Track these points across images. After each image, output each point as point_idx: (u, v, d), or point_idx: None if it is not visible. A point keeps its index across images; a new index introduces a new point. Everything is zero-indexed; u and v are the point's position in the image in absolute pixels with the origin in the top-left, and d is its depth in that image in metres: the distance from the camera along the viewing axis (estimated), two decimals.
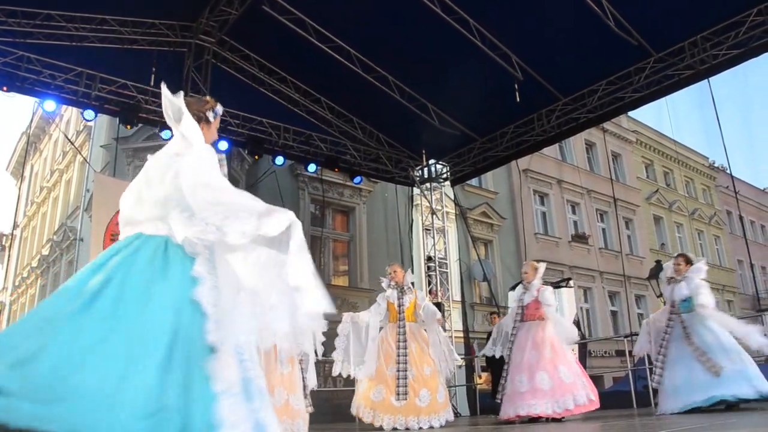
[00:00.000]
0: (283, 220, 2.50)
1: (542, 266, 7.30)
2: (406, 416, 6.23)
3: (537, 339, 6.70)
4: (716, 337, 6.27)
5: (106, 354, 1.99)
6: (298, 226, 2.52)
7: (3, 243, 34.45)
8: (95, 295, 2.12)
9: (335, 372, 6.62)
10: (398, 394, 6.28)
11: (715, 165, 30.75)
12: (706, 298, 6.50)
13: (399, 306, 6.75)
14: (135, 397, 1.93)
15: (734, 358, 6.14)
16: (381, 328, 6.82)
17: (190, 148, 2.58)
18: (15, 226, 24.78)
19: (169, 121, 2.70)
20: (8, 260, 27.18)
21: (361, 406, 6.44)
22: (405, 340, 6.55)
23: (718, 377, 6.08)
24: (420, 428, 6.20)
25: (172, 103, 2.68)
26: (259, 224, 2.43)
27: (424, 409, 6.28)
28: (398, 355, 6.48)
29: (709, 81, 8.60)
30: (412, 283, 7.04)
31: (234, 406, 2.08)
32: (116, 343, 2.02)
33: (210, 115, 2.84)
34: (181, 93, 2.72)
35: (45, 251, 21.04)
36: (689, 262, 6.85)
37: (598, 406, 6.53)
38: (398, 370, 6.38)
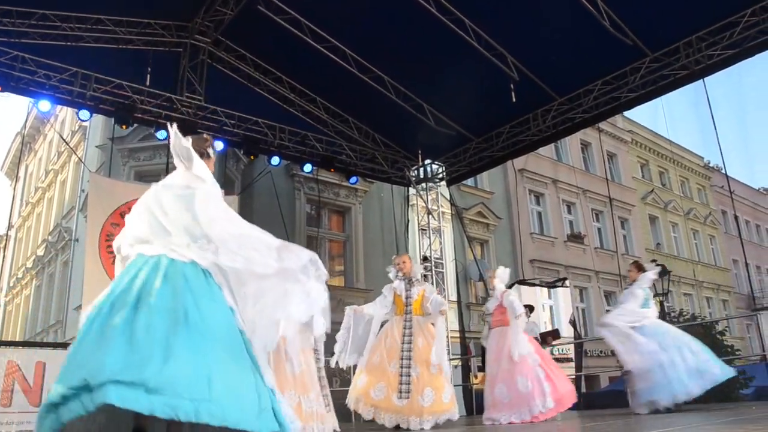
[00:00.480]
0: (304, 255, 2.97)
1: (503, 271, 7.34)
2: (408, 416, 5.89)
3: (499, 348, 6.80)
4: None
5: (221, 362, 2.43)
6: (318, 261, 3.06)
7: None
8: (185, 314, 2.48)
9: (332, 363, 6.36)
10: (400, 392, 5.95)
11: (711, 165, 30.86)
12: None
13: (406, 298, 6.47)
14: (251, 399, 2.43)
15: None
16: (387, 321, 6.53)
17: (202, 183, 2.93)
18: (10, 226, 24.72)
19: (177, 158, 3.01)
20: (3, 261, 27.09)
21: (360, 402, 6.10)
22: (411, 335, 6.23)
23: None
24: (422, 429, 5.86)
25: (182, 145, 2.99)
26: (280, 257, 2.84)
27: (426, 409, 5.90)
28: (402, 350, 6.15)
29: (704, 81, 8.62)
30: (423, 276, 6.84)
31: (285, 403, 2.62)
32: (221, 353, 2.46)
33: (210, 151, 3.23)
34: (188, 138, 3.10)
35: (40, 252, 20.99)
36: (641, 269, 7.14)
37: (564, 407, 6.64)
38: (401, 367, 6.04)
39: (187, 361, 2.34)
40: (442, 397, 6.06)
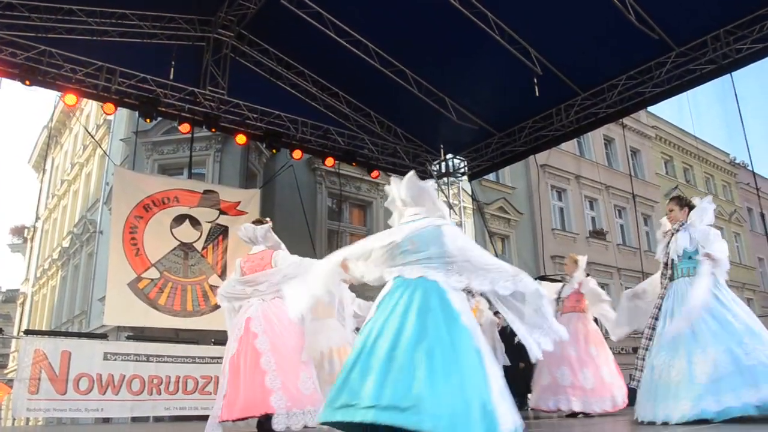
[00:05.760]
0: (529, 282, 3.44)
1: (582, 259, 7.29)
2: None
3: (579, 333, 6.66)
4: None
5: (477, 381, 3.00)
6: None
7: (25, 235, 34.97)
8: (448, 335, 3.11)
9: None
10: None
11: (736, 161, 30.35)
12: (717, 246, 4.69)
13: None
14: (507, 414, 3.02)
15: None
16: None
17: (444, 220, 3.60)
18: (37, 218, 25.12)
19: (401, 200, 3.73)
20: (30, 252, 27.57)
21: None
22: None
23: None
24: None
25: (421, 188, 3.65)
26: (516, 282, 3.42)
27: None
28: None
29: (731, 75, 8.47)
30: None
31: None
32: (480, 372, 3.06)
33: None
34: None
35: (65, 243, 21.30)
36: (686, 205, 5.01)
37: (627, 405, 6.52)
38: None
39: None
40: None
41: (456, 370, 2.97)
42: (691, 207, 5.00)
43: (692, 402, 4.15)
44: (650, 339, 4.78)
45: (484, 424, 2.87)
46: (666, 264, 4.93)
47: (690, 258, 4.78)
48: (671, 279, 4.87)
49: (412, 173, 3.70)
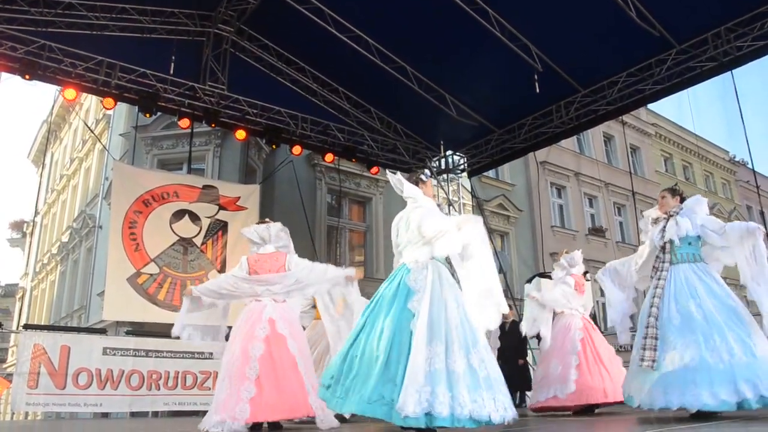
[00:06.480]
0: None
1: (563, 255, 7.42)
2: None
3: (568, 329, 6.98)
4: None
5: None
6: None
7: (24, 230, 34.95)
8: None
9: None
10: None
11: (736, 159, 30.35)
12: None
13: None
14: None
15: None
16: None
17: (416, 202, 4.05)
18: (36, 213, 25.10)
19: (400, 192, 4.13)
20: (29, 247, 27.57)
21: None
22: None
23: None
24: None
25: (397, 180, 4.13)
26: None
27: None
28: None
29: (732, 73, 8.45)
30: None
31: None
32: None
33: (423, 177, 4.24)
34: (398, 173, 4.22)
35: (65, 238, 21.30)
36: (679, 194, 5.09)
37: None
38: None
39: None
40: None
41: None
42: (683, 198, 5.06)
43: (711, 390, 4.14)
44: (656, 321, 4.65)
45: None
46: (663, 248, 4.91)
47: (690, 244, 4.81)
48: (670, 263, 4.85)
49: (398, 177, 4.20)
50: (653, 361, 4.51)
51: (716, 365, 4.22)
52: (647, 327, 4.64)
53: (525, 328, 7.14)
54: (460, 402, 3.34)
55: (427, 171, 3.81)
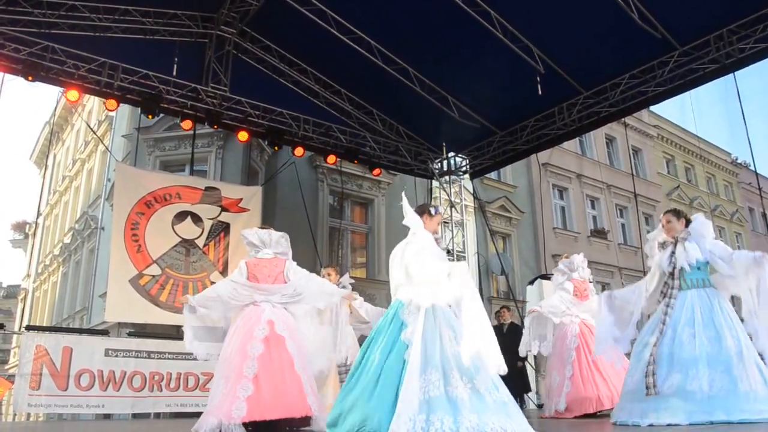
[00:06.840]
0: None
1: (563, 260, 7.40)
2: None
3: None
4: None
5: None
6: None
7: (26, 231, 34.98)
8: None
9: None
10: None
11: (738, 161, 30.31)
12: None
13: None
14: None
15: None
16: None
17: (413, 236, 3.99)
18: (38, 214, 25.12)
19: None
20: (31, 248, 27.59)
21: None
22: None
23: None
24: None
25: (404, 205, 4.09)
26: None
27: None
28: None
29: (734, 75, 8.44)
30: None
31: None
32: None
33: (431, 210, 4.13)
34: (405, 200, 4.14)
35: (67, 240, 21.31)
36: (683, 216, 5.04)
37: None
38: None
39: None
40: None
41: None
42: (687, 220, 5.01)
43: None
44: (656, 342, 4.65)
45: None
46: (672, 274, 4.86)
47: (699, 269, 4.80)
48: (679, 288, 4.82)
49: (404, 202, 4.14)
50: (655, 386, 4.50)
51: (693, 395, 4.27)
52: (650, 357, 4.61)
53: (522, 351, 7.15)
54: (467, 427, 3.31)
55: (439, 207, 3.57)
